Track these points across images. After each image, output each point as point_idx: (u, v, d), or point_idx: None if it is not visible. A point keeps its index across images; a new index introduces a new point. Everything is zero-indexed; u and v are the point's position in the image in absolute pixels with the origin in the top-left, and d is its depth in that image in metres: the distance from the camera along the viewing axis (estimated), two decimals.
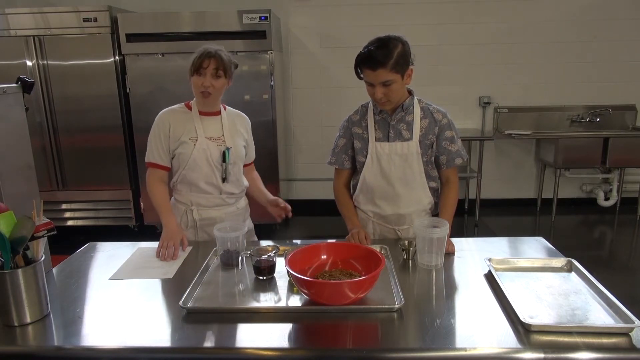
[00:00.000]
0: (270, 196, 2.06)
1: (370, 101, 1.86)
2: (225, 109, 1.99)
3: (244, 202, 2.09)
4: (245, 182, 2.07)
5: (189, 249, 1.79)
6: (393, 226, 1.92)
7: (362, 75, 1.71)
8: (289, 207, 2.00)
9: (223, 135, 1.92)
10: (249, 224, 2.07)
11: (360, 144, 1.86)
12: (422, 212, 1.90)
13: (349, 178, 1.97)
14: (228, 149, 1.89)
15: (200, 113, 1.91)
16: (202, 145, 1.87)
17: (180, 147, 1.88)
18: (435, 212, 1.93)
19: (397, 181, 1.83)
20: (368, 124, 1.84)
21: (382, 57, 1.62)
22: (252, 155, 2.13)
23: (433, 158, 1.86)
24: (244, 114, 2.07)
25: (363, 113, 1.88)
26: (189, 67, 1.83)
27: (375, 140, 1.83)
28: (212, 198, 1.95)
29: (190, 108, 1.93)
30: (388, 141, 1.82)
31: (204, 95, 1.83)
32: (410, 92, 1.83)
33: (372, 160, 1.84)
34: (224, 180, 1.92)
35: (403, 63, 1.67)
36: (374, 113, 1.85)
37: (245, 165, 2.07)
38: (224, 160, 1.89)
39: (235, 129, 1.97)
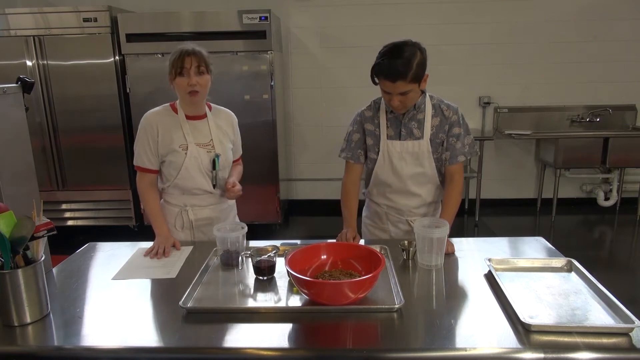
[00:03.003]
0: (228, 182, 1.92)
1: (382, 97, 1.85)
2: (210, 108, 1.95)
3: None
4: None
5: (189, 248, 1.79)
6: (406, 217, 1.94)
7: (376, 81, 1.69)
8: (237, 188, 1.88)
9: (212, 140, 1.89)
10: (237, 218, 2.11)
11: (372, 141, 1.87)
12: (433, 203, 1.94)
13: (359, 173, 1.96)
14: (217, 156, 1.87)
15: (187, 117, 1.87)
16: (193, 153, 1.85)
17: (170, 155, 1.85)
18: None
19: (408, 179, 1.85)
20: (380, 121, 1.85)
21: (403, 68, 1.60)
22: (239, 152, 2.08)
23: (444, 156, 1.87)
24: (228, 110, 2.01)
25: (375, 110, 1.88)
26: (169, 70, 1.78)
27: (387, 139, 1.83)
28: (206, 197, 1.94)
29: (175, 110, 1.88)
30: (399, 139, 1.83)
31: (192, 95, 1.79)
32: (422, 90, 1.82)
33: (383, 158, 1.85)
34: (214, 186, 1.91)
35: (421, 72, 1.66)
36: (386, 111, 1.85)
37: (233, 162, 2.04)
38: (213, 167, 1.87)
39: (222, 132, 1.93)
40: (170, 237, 1.83)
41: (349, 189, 1.94)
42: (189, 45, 1.79)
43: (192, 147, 1.85)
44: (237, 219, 2.11)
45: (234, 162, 2.05)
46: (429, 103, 1.82)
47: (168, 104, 1.91)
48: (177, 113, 1.88)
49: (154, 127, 1.85)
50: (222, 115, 1.97)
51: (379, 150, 1.85)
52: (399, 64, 1.60)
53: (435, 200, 1.94)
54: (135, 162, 1.91)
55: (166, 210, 1.96)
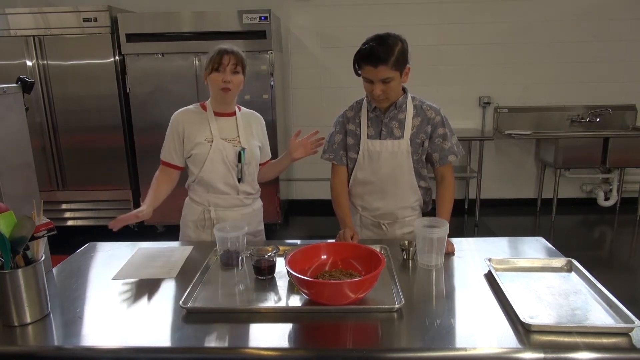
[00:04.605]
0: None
1: (364, 98, 1.87)
2: (239, 109, 1.99)
3: (259, 203, 2.09)
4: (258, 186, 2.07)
5: (189, 248, 1.78)
6: (378, 220, 1.93)
7: (359, 72, 1.71)
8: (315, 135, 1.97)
9: (238, 136, 1.92)
10: (260, 225, 2.09)
11: (353, 140, 1.87)
12: (408, 208, 1.91)
13: (346, 175, 1.95)
14: (244, 149, 1.90)
15: (215, 114, 1.92)
16: (218, 146, 1.88)
17: (195, 148, 1.88)
18: (425, 210, 1.96)
19: (385, 178, 1.85)
20: (361, 120, 1.85)
21: (384, 53, 1.63)
22: (268, 154, 2.11)
23: (424, 157, 1.87)
24: (258, 114, 2.07)
25: (357, 110, 1.89)
26: (206, 66, 1.85)
27: (367, 138, 1.84)
28: (229, 199, 1.95)
29: (205, 109, 1.93)
30: (380, 139, 1.83)
31: (225, 91, 1.84)
32: (404, 90, 1.83)
33: (363, 157, 1.85)
34: (239, 180, 1.92)
35: (402, 61, 1.67)
36: (367, 110, 1.85)
37: (261, 164, 2.06)
38: (239, 160, 1.89)
39: (250, 130, 1.97)
40: (145, 209, 1.77)
41: (339, 190, 1.94)
42: (227, 45, 1.87)
43: (217, 140, 1.88)
44: (262, 225, 2.09)
45: (263, 164, 2.06)
46: (410, 103, 1.83)
47: (198, 103, 1.97)
48: (206, 111, 1.93)
49: (180, 124, 1.91)
50: (252, 117, 2.03)
51: (359, 150, 1.85)
52: (381, 49, 1.63)
53: (411, 205, 1.91)
54: (161, 156, 1.95)
55: (190, 208, 1.98)
